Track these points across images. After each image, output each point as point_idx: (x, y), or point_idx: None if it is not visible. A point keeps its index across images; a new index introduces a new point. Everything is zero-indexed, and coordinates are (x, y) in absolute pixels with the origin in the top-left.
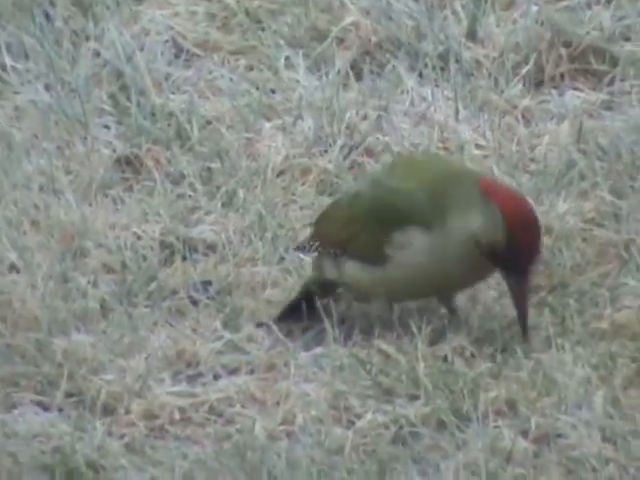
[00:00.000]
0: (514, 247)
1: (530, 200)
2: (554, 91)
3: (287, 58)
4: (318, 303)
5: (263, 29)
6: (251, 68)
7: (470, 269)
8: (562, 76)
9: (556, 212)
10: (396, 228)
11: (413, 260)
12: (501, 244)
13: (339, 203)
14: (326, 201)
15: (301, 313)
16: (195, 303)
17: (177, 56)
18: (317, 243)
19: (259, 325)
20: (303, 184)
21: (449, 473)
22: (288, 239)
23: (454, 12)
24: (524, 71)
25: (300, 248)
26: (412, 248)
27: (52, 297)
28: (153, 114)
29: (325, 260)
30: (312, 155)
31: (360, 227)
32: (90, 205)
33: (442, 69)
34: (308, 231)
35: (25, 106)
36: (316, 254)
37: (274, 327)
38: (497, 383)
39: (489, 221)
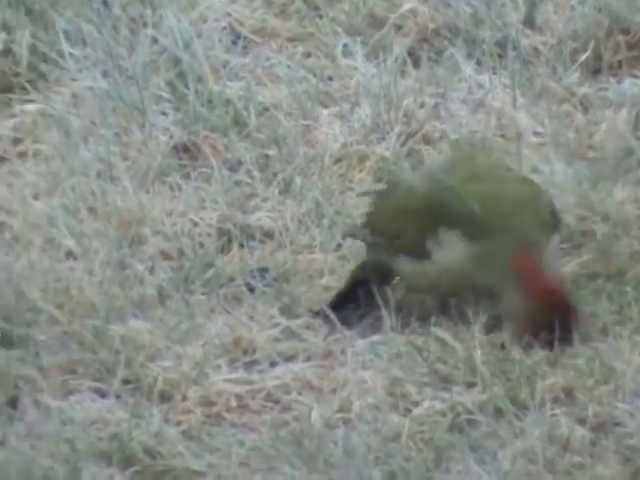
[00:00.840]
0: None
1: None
2: (612, 79)
3: (345, 45)
4: (374, 289)
5: (321, 16)
6: (308, 55)
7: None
8: (620, 64)
9: (613, 200)
10: (443, 226)
11: (448, 260)
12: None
13: (393, 195)
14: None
15: (357, 298)
16: (252, 290)
17: (235, 43)
18: (367, 231)
19: (315, 314)
20: (360, 171)
21: (506, 461)
22: (345, 226)
23: None
24: (582, 58)
25: (350, 234)
26: (451, 250)
27: (109, 284)
28: (210, 101)
29: (376, 250)
30: (369, 142)
31: (409, 218)
32: (147, 192)
33: (500, 56)
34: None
35: (83, 93)
36: (369, 243)
37: (331, 314)
38: (554, 371)
39: (516, 305)
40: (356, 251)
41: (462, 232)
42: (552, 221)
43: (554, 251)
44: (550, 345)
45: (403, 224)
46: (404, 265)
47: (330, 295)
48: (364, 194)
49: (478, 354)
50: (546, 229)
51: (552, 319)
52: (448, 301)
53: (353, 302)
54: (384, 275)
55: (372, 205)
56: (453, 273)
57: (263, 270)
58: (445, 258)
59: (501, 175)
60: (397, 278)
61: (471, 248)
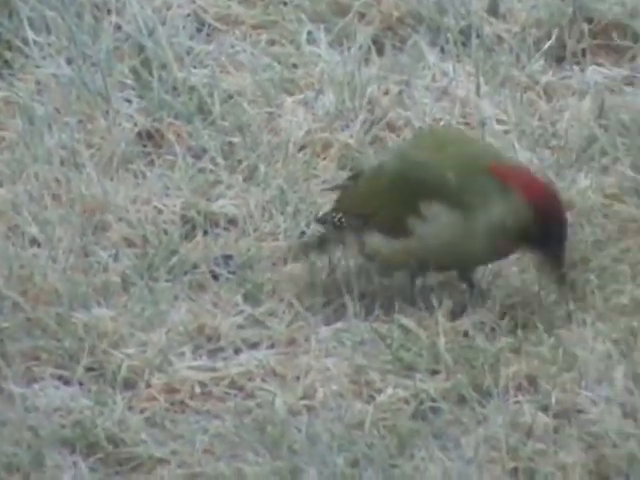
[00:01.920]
0: (545, 230)
1: (545, 176)
2: (576, 67)
3: (309, 33)
4: (338, 277)
5: (285, 3)
6: (273, 43)
7: (492, 251)
8: (584, 52)
9: (577, 188)
10: (422, 200)
11: (435, 235)
12: (531, 229)
13: (363, 176)
14: (347, 176)
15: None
16: (216, 277)
17: (199, 30)
18: (339, 215)
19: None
20: (324, 159)
21: (469, 448)
22: (309, 213)
23: None
24: (546, 46)
25: (321, 220)
26: (435, 223)
27: (73, 271)
28: (175, 88)
29: (347, 233)
30: (333, 130)
31: (384, 199)
32: (111, 179)
33: (464, 44)
34: (329, 204)
35: (47, 80)
36: (337, 227)
37: (295, 302)
38: (518, 358)
39: (513, 209)
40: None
41: (443, 203)
42: None
43: None
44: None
45: (378, 204)
46: (378, 245)
47: (294, 282)
48: (330, 188)
49: (442, 341)
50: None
51: (552, 209)
52: (417, 284)
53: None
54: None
55: (342, 190)
56: (440, 246)
57: (227, 257)
58: (430, 232)
59: (463, 139)
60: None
61: (455, 216)
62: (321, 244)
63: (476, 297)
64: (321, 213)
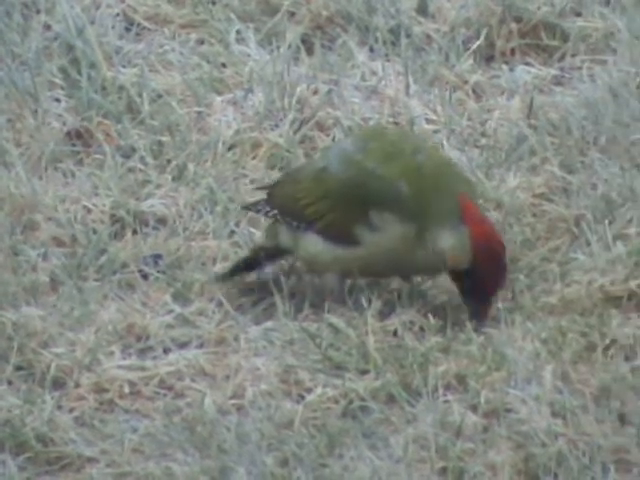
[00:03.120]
0: (477, 274)
1: (497, 229)
2: (505, 66)
3: (238, 32)
4: (266, 268)
5: (214, 3)
6: (202, 42)
7: (435, 269)
8: (513, 51)
9: (506, 187)
10: (373, 210)
11: (382, 244)
12: (464, 270)
13: (303, 175)
14: (276, 175)
15: (249, 271)
16: (145, 277)
17: (128, 30)
18: (275, 211)
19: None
20: (254, 158)
21: (398, 447)
22: (238, 213)
23: None
24: (475, 46)
25: (250, 208)
26: (384, 233)
27: (2, 270)
28: (104, 87)
29: (281, 229)
30: (263, 129)
31: (330, 204)
32: (40, 178)
33: (393, 44)
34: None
35: None
36: (271, 221)
37: (225, 301)
38: (447, 358)
39: (458, 245)
40: (249, 238)
41: (395, 214)
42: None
43: None
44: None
45: (323, 209)
46: (316, 248)
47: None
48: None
49: (371, 341)
50: (472, 188)
51: (493, 259)
52: (346, 283)
53: (243, 273)
54: (278, 255)
55: (278, 184)
56: (388, 255)
57: (156, 257)
58: (379, 242)
59: (415, 146)
60: (290, 259)
61: (407, 227)
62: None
63: (405, 297)
64: (251, 201)
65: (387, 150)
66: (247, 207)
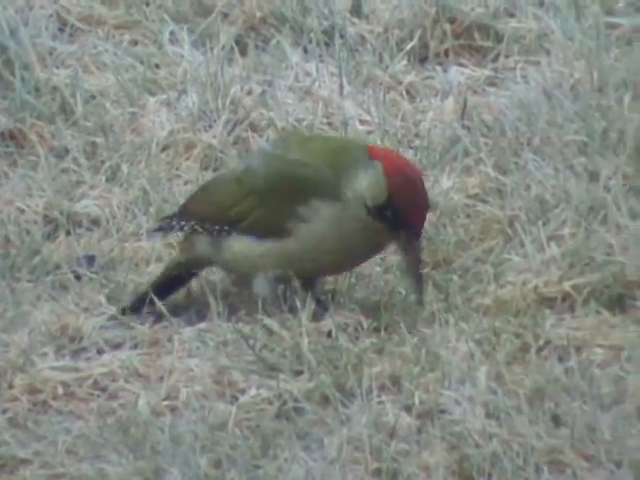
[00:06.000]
0: (397, 204)
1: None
2: (438, 67)
3: (172, 33)
4: (200, 275)
5: (147, 4)
6: (135, 43)
7: (369, 238)
8: (447, 52)
9: (440, 188)
10: (300, 201)
11: (316, 232)
12: (384, 202)
13: (224, 180)
14: (210, 176)
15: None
16: (79, 278)
17: (61, 30)
18: (191, 222)
19: (123, 312)
20: (187, 159)
21: (333, 448)
22: (156, 223)
23: None
24: (409, 47)
25: (163, 228)
26: (316, 221)
27: None
28: (37, 89)
29: (198, 239)
30: (196, 130)
31: (256, 202)
32: None
33: (327, 44)
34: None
35: None
36: (186, 234)
37: (157, 302)
38: (381, 358)
39: (372, 180)
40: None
41: (321, 199)
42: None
43: None
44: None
45: (246, 207)
46: (245, 249)
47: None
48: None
49: (305, 342)
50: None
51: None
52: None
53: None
54: (196, 267)
55: (194, 195)
56: (320, 241)
57: (90, 258)
58: (312, 231)
59: (332, 139)
60: (212, 267)
61: (335, 208)
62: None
63: (339, 298)
64: (157, 224)
65: (302, 141)
66: (157, 229)
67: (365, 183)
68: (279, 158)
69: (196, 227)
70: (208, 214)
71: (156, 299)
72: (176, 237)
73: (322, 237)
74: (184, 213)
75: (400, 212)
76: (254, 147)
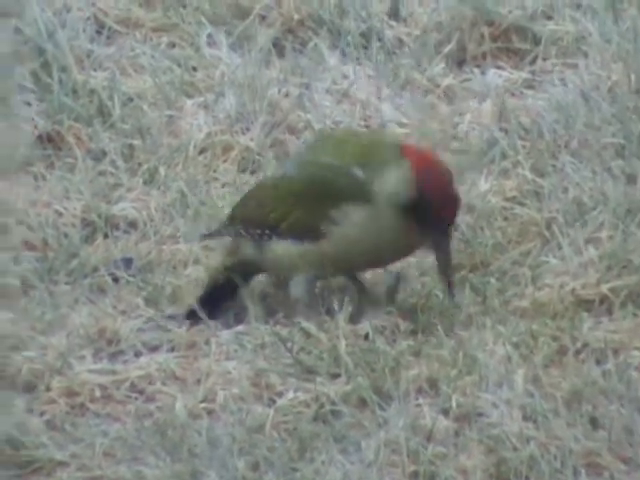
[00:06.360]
0: (426, 200)
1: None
2: (476, 70)
3: (209, 35)
4: (238, 279)
5: (185, 6)
6: (173, 45)
7: (401, 238)
8: (484, 55)
9: (478, 191)
10: (331, 205)
11: (347, 235)
12: (413, 200)
13: (264, 186)
14: (247, 179)
15: (223, 297)
16: (116, 280)
17: (99, 33)
18: (238, 227)
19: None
20: (225, 161)
21: (370, 451)
22: (209, 217)
23: None
24: (446, 50)
25: (213, 234)
26: (347, 223)
27: None
28: (75, 91)
29: (244, 243)
30: (234, 132)
31: (292, 206)
32: (11, 182)
33: (364, 47)
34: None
35: None
36: (233, 239)
37: (195, 305)
38: (418, 361)
39: (401, 179)
40: (221, 242)
41: (352, 203)
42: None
43: None
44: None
45: (285, 211)
46: (285, 251)
47: (194, 286)
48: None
49: (342, 345)
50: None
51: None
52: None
53: (220, 301)
54: (245, 271)
55: (240, 200)
56: (354, 245)
57: (127, 260)
58: (345, 233)
59: (363, 137)
60: (258, 273)
61: (366, 211)
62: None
63: (377, 300)
64: (213, 229)
65: (335, 145)
66: (207, 235)
67: (394, 182)
68: (312, 162)
69: (241, 231)
70: (251, 219)
71: (198, 306)
72: (217, 241)
73: (354, 239)
74: (232, 219)
75: (429, 209)
76: (291, 149)
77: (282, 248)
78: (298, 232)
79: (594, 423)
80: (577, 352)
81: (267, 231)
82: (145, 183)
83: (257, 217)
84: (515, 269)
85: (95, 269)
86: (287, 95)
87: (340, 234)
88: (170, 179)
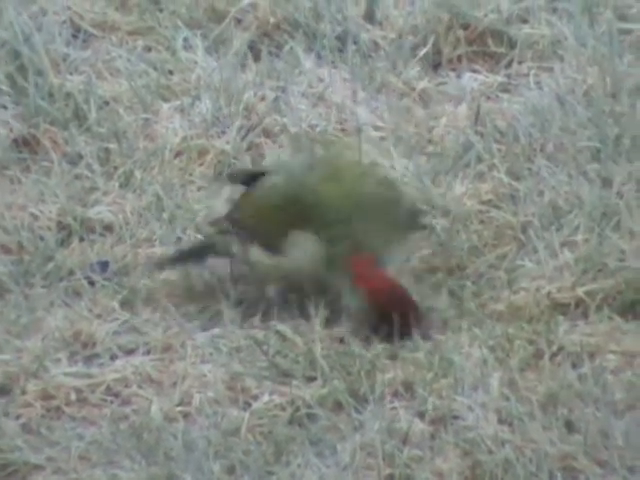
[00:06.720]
0: (389, 324)
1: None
2: (452, 73)
3: (185, 39)
4: (214, 282)
5: (161, 10)
6: (149, 49)
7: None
8: (460, 58)
9: (453, 194)
10: (297, 226)
11: (300, 261)
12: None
13: (256, 190)
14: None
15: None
16: (92, 284)
17: (75, 36)
18: (229, 225)
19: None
20: (201, 165)
21: (346, 454)
22: (185, 220)
23: None
24: (422, 53)
25: (213, 223)
26: (302, 251)
27: None
28: (51, 94)
29: (233, 241)
30: (210, 136)
31: (268, 216)
32: None
33: (340, 50)
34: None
35: None
36: (226, 234)
37: (171, 308)
38: (394, 364)
39: (359, 306)
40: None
41: (315, 233)
42: (406, 222)
43: (404, 250)
44: (389, 338)
45: (263, 220)
46: (260, 258)
47: (169, 289)
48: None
49: (318, 348)
50: (396, 230)
51: (389, 315)
52: (295, 294)
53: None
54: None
55: (238, 200)
56: (303, 272)
57: (103, 264)
58: (297, 258)
59: (360, 174)
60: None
61: (319, 249)
62: (192, 253)
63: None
64: (210, 219)
65: (331, 171)
66: (212, 223)
67: (352, 305)
68: (296, 181)
69: (230, 229)
70: (239, 220)
71: (172, 307)
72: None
73: (305, 266)
74: (228, 214)
75: (394, 326)
76: (267, 153)
77: (258, 255)
78: (268, 244)
79: (570, 426)
80: (553, 355)
81: (248, 234)
82: (121, 186)
83: (246, 221)
84: (491, 272)
85: (71, 272)
86: (263, 98)
87: (294, 256)
88: (146, 182)
